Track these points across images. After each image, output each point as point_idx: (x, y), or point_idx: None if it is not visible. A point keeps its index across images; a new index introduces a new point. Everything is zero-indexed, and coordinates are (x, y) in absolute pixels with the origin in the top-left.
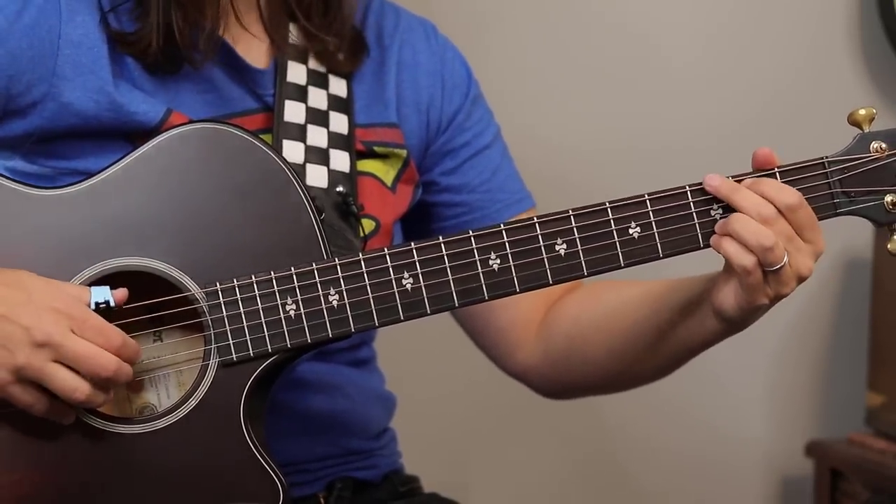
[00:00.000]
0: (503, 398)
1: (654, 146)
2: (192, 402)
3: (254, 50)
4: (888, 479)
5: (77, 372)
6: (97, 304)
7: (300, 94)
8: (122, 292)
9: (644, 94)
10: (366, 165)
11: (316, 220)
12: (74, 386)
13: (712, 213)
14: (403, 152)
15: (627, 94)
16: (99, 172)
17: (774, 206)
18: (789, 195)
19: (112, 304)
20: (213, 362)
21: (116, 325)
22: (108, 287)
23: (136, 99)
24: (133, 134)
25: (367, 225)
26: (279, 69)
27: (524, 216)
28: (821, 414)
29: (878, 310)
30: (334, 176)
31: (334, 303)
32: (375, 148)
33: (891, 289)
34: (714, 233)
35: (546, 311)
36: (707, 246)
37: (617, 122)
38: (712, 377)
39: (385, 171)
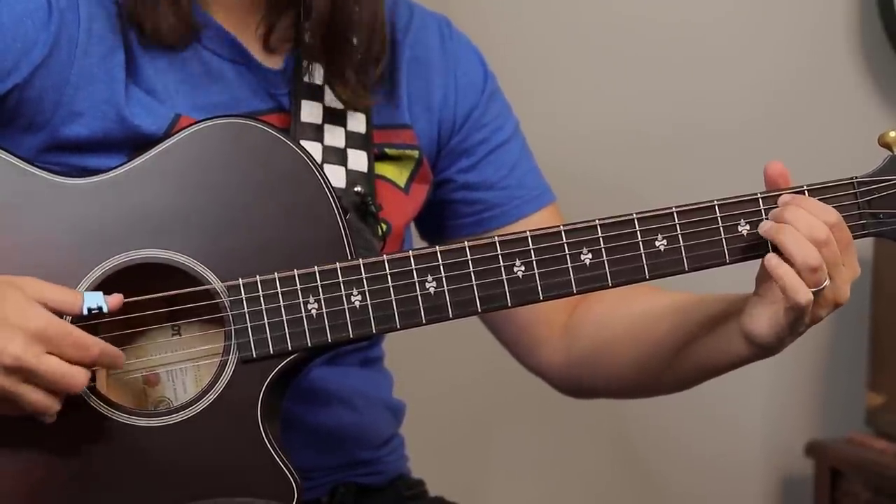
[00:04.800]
0: (509, 399)
1: (654, 145)
2: (210, 398)
3: (270, 44)
4: (888, 479)
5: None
6: (90, 309)
7: (317, 93)
8: (117, 298)
9: (644, 94)
10: (378, 168)
11: (341, 219)
12: (46, 406)
13: (739, 228)
14: (416, 153)
15: (628, 93)
16: (123, 164)
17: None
18: (831, 214)
19: (105, 310)
20: (232, 358)
21: (137, 316)
22: (101, 293)
23: (143, 111)
24: (139, 144)
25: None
26: (295, 69)
27: (544, 212)
28: (821, 414)
29: (878, 310)
30: (352, 176)
31: (356, 303)
32: (387, 150)
33: (891, 289)
34: (740, 247)
35: (571, 310)
36: (734, 262)
37: (618, 120)
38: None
39: (398, 173)
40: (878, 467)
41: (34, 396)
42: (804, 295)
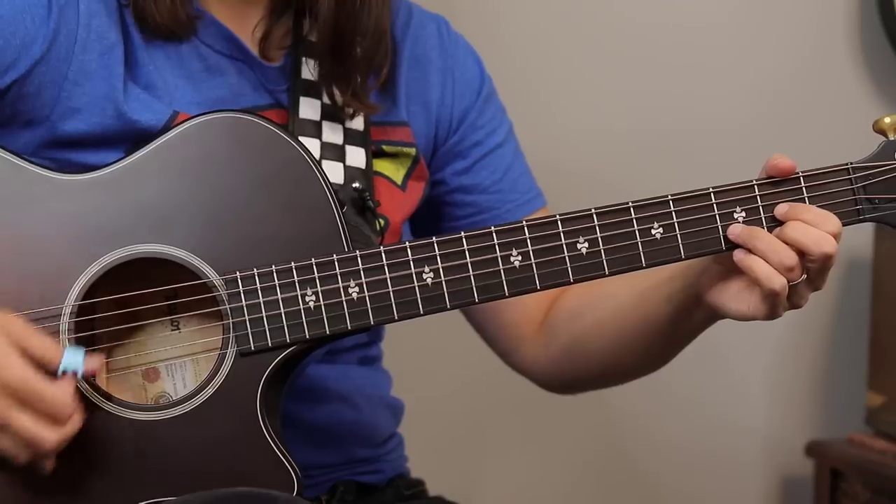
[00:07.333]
0: (508, 399)
1: (655, 145)
2: (209, 391)
3: (267, 47)
4: (888, 479)
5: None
6: (64, 371)
7: (315, 90)
8: (96, 361)
9: (644, 94)
10: (375, 165)
11: (338, 212)
12: (15, 455)
13: (735, 215)
14: (413, 150)
15: (628, 94)
16: (121, 160)
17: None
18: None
19: (80, 374)
20: (231, 351)
21: (135, 311)
22: (83, 351)
23: (142, 106)
24: (137, 139)
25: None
26: (294, 66)
27: (536, 215)
28: (821, 414)
29: (878, 310)
30: (350, 172)
31: (354, 295)
32: (384, 147)
33: (891, 289)
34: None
35: (550, 305)
36: (730, 249)
37: (619, 120)
38: (712, 377)
39: (395, 170)
40: (878, 467)
41: (4, 444)
42: (779, 281)
